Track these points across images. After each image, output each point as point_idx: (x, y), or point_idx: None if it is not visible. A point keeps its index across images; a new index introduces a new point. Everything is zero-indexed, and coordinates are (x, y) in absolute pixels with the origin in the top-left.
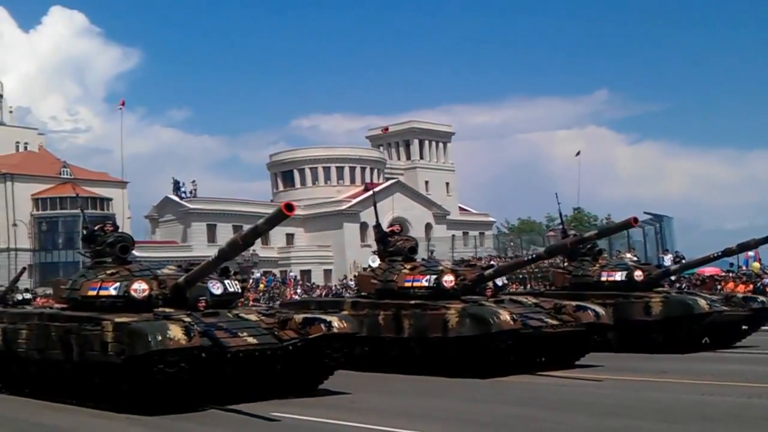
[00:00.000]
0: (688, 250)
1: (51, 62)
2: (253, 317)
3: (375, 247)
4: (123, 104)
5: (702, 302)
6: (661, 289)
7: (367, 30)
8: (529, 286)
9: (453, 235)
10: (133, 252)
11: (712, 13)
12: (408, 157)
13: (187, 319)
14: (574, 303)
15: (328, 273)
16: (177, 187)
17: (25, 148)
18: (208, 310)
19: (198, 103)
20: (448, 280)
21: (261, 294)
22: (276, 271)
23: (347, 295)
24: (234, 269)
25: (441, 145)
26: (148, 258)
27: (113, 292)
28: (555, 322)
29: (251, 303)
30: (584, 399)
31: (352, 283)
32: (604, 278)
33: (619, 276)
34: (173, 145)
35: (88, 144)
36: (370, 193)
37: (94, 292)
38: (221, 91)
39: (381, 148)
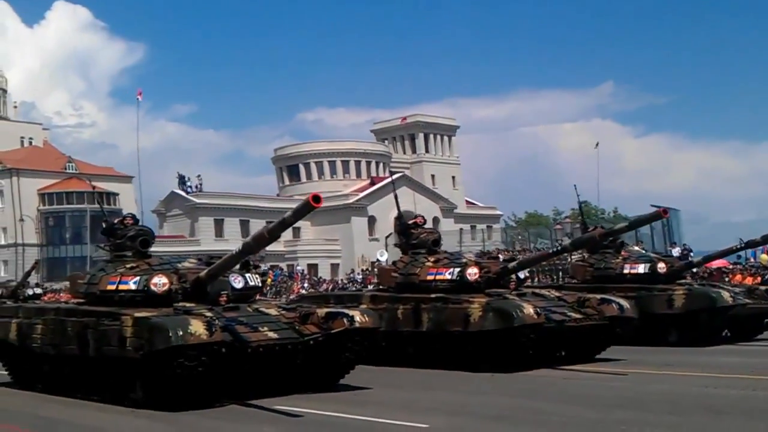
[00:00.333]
0: (696, 243)
1: (55, 57)
2: (273, 312)
3: (383, 241)
4: (140, 95)
5: (725, 295)
6: (683, 281)
7: (372, 24)
8: (536, 279)
9: (461, 229)
10: None
11: (718, 4)
12: (413, 151)
13: (209, 314)
14: (598, 296)
15: (335, 267)
16: (182, 181)
17: (30, 143)
18: (229, 304)
19: (203, 97)
20: (473, 272)
21: (268, 288)
22: (283, 265)
23: (353, 288)
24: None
25: (446, 138)
26: (156, 252)
27: (133, 287)
28: (578, 316)
29: (257, 297)
30: (597, 392)
31: (360, 277)
32: (626, 271)
33: (642, 269)
34: (178, 140)
35: (93, 139)
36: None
37: (113, 287)
38: (226, 85)
39: (386, 141)
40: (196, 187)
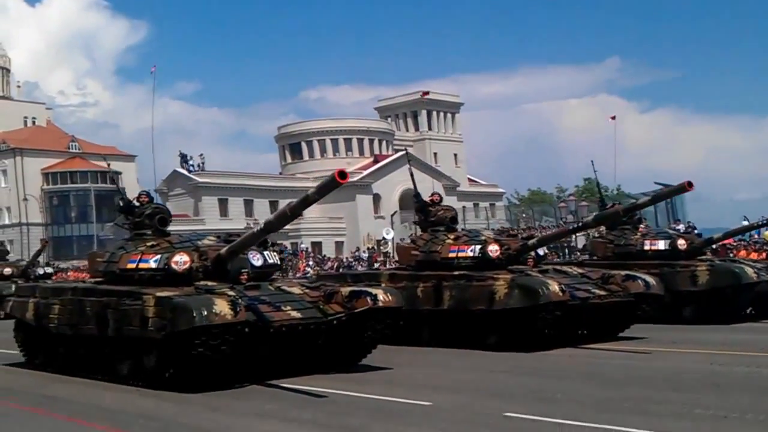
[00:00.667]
0: (700, 220)
1: (58, 36)
2: (296, 290)
3: (388, 219)
4: (154, 69)
5: (749, 271)
6: (704, 257)
7: (377, 0)
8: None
9: (464, 207)
10: None
11: None
12: (416, 129)
13: (232, 293)
14: (622, 272)
15: (339, 245)
16: (184, 160)
17: (33, 122)
18: (250, 282)
19: (206, 75)
20: (494, 249)
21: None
22: (287, 243)
23: (360, 268)
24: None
25: (450, 116)
26: None
27: (153, 265)
28: (602, 293)
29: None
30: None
31: (365, 255)
32: (647, 247)
33: (662, 245)
34: (182, 118)
35: (96, 118)
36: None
37: (133, 265)
38: (230, 63)
39: (389, 119)
40: (199, 166)
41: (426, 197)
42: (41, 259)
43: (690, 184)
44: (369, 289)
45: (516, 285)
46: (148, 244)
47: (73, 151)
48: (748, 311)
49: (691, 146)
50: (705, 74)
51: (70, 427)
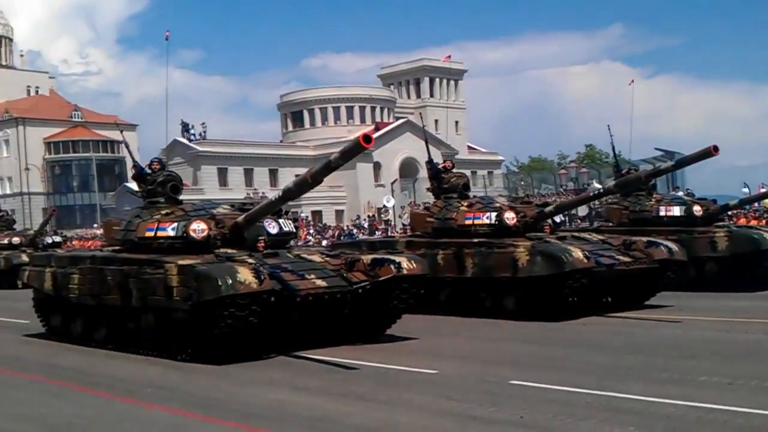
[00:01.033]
0: (699, 187)
1: (61, 5)
2: (317, 258)
3: (389, 187)
4: (168, 34)
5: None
6: (721, 223)
7: None
8: None
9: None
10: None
11: None
12: (419, 96)
13: (251, 261)
14: (644, 239)
15: (339, 213)
16: (186, 129)
17: (36, 92)
18: (267, 250)
19: (209, 44)
20: (510, 217)
21: None
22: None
23: (361, 236)
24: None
25: (452, 83)
26: None
27: (171, 233)
28: (627, 260)
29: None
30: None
31: (366, 223)
32: (662, 213)
33: (677, 211)
34: (185, 87)
35: (99, 87)
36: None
37: (151, 233)
38: (232, 31)
39: (392, 87)
40: (200, 134)
41: (424, 164)
42: (47, 228)
43: (716, 149)
44: (392, 257)
45: (537, 252)
46: (163, 212)
47: (76, 120)
48: None
49: (693, 112)
50: (708, 41)
51: (78, 395)
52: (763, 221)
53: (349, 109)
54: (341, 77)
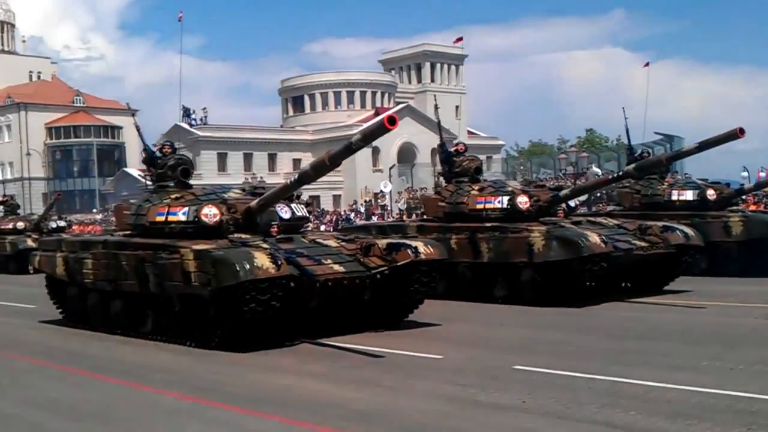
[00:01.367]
0: (697, 171)
1: None
2: (332, 243)
3: (386, 172)
4: (181, 17)
5: None
6: (735, 208)
7: None
8: None
9: None
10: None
11: None
12: (419, 81)
13: (266, 246)
14: (659, 223)
15: (337, 198)
16: (187, 114)
17: (39, 77)
18: (281, 235)
19: (211, 29)
20: (523, 201)
21: None
22: None
23: (359, 221)
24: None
25: (453, 68)
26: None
27: (182, 218)
28: (644, 244)
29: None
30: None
31: (363, 208)
32: (675, 197)
33: (690, 195)
34: (186, 72)
35: (101, 73)
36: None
37: (162, 218)
38: (234, 17)
39: (393, 72)
40: (201, 119)
41: (422, 149)
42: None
43: (741, 131)
44: (408, 241)
45: (552, 237)
46: (173, 196)
47: (78, 105)
48: None
49: (693, 97)
50: (709, 27)
51: (87, 380)
52: (761, 206)
53: (350, 94)
54: (343, 62)
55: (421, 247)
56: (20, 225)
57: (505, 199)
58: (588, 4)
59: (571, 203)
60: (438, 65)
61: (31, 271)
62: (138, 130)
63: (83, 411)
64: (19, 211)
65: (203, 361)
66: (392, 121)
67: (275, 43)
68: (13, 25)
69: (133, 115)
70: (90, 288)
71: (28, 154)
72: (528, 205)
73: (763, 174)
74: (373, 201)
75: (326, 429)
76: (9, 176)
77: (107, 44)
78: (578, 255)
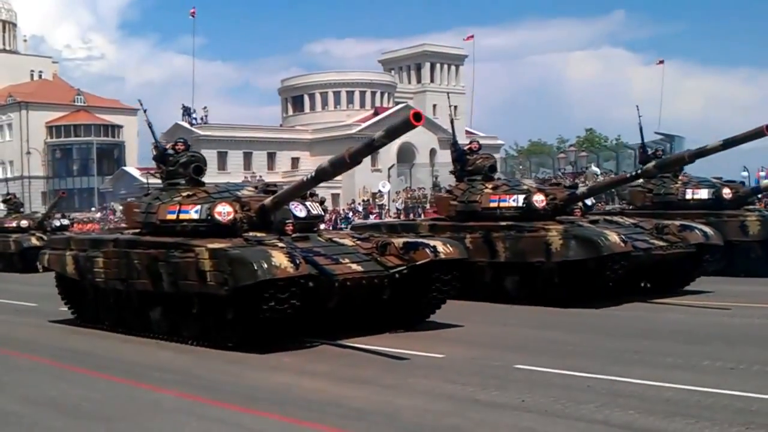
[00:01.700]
0: (698, 170)
1: None
2: (348, 242)
3: (385, 172)
4: (194, 11)
5: None
6: (752, 207)
7: None
8: None
9: None
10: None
11: None
12: (419, 81)
13: (283, 245)
14: (676, 222)
15: (335, 197)
16: (187, 113)
17: (40, 76)
18: (296, 234)
19: (211, 30)
20: (539, 199)
21: None
22: None
23: (357, 220)
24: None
25: (453, 68)
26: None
27: (195, 216)
28: (663, 244)
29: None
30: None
31: (361, 207)
32: (689, 196)
33: (705, 194)
34: (186, 72)
35: (102, 72)
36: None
37: (173, 216)
38: (234, 17)
39: (392, 72)
40: (202, 119)
41: (421, 149)
42: (43, 211)
43: None
44: (425, 240)
45: (570, 236)
46: (184, 194)
47: (78, 104)
48: None
49: (694, 98)
50: (709, 27)
51: (88, 379)
52: (761, 204)
53: (350, 94)
54: (343, 62)
55: (440, 246)
56: (24, 223)
57: (521, 197)
58: (588, 5)
59: (588, 202)
60: (438, 65)
61: (40, 270)
62: (150, 126)
63: (82, 409)
64: (22, 209)
65: (203, 359)
66: (418, 117)
67: (275, 43)
68: (14, 25)
69: (144, 111)
70: (101, 287)
71: (28, 153)
72: (544, 203)
73: (763, 173)
74: (371, 200)
75: (326, 427)
76: (9, 175)
77: (108, 44)
78: (598, 254)
